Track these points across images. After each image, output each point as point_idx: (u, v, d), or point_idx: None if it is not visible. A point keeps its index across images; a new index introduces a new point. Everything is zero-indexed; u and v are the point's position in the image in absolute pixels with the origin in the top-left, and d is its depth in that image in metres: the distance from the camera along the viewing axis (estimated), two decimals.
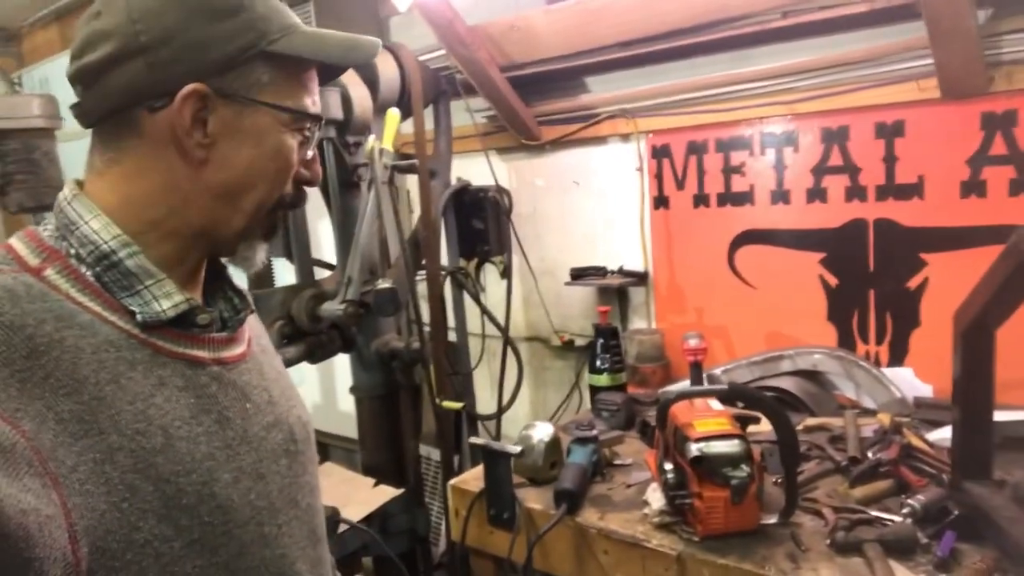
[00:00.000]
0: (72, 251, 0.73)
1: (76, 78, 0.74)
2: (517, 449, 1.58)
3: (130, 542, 0.65)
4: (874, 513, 1.34)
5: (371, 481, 2.11)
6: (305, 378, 3.25)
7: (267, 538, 0.78)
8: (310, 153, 0.84)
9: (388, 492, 2.06)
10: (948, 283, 1.78)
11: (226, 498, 0.73)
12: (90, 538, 0.62)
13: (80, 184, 0.78)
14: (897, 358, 1.90)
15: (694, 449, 1.32)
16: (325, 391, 3.24)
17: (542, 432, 1.66)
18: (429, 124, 2.40)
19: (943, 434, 1.56)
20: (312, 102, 0.82)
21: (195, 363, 0.77)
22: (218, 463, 0.74)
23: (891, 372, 1.87)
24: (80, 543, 0.61)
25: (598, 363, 2.11)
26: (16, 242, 0.74)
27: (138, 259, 0.74)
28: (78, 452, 0.63)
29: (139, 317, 0.73)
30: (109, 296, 0.72)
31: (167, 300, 0.75)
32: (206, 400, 0.76)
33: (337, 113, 1.94)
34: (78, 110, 0.76)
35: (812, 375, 1.97)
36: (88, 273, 0.72)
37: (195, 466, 0.71)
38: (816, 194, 1.96)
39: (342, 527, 1.86)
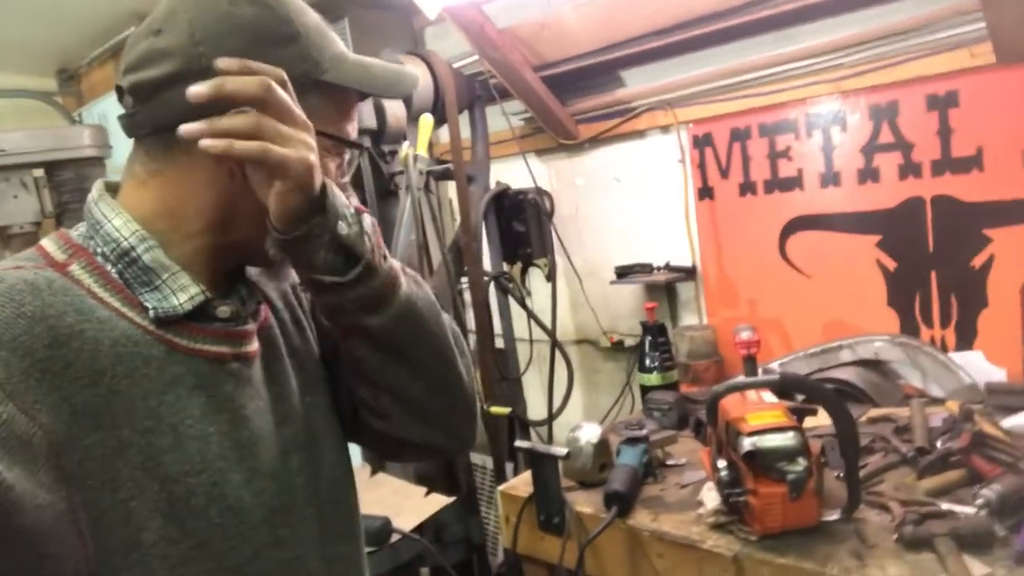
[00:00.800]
0: (99, 250, 0.74)
1: (131, 90, 0.75)
2: (564, 451, 1.54)
3: (137, 542, 0.65)
4: (945, 506, 1.26)
5: (423, 490, 2.09)
6: None
7: (281, 540, 0.77)
8: (346, 178, 0.85)
9: (440, 501, 2.04)
10: (1016, 259, 1.67)
11: (237, 499, 0.72)
12: (91, 533, 0.62)
13: (111, 189, 0.79)
14: (965, 342, 1.79)
15: (747, 444, 1.26)
16: None
17: (589, 433, 1.61)
18: (466, 131, 2.39)
19: (1019, 420, 1.46)
20: (352, 128, 0.83)
21: (212, 359, 0.76)
22: (229, 463, 0.73)
23: (959, 357, 1.77)
24: (87, 538, 0.61)
25: (647, 362, 2.06)
26: (47, 242, 0.76)
27: (154, 253, 0.74)
28: (87, 446, 0.63)
29: (152, 313, 0.73)
30: (130, 293, 0.73)
31: (183, 293, 0.74)
32: (220, 399, 0.75)
33: (371, 122, 1.94)
34: (129, 121, 0.77)
35: (874, 364, 1.88)
36: (112, 270, 0.73)
37: (205, 466, 0.70)
38: (868, 174, 1.87)
39: (395, 537, 1.84)
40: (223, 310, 0.77)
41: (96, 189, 0.78)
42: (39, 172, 2.23)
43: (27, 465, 0.56)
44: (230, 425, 0.75)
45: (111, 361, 0.67)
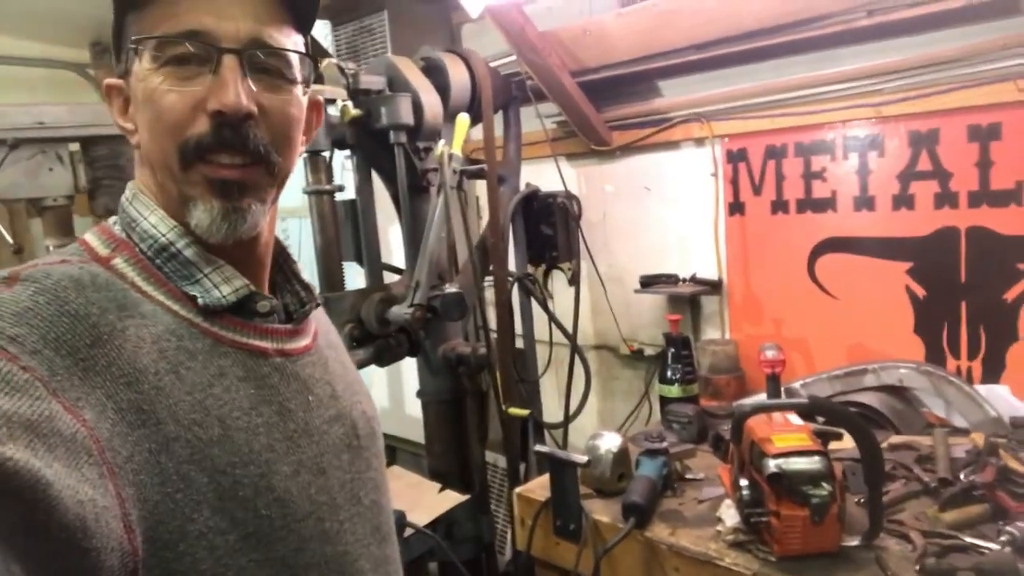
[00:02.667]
0: (137, 247, 0.75)
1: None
2: (584, 459, 1.55)
3: (184, 533, 0.65)
4: (968, 539, 1.26)
5: (437, 486, 2.11)
6: (373, 382, 3.28)
7: (328, 534, 0.76)
8: (208, 78, 0.70)
9: (453, 498, 2.05)
10: None
11: (284, 491, 0.72)
12: (143, 527, 0.62)
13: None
14: (992, 375, 1.79)
15: (772, 465, 1.26)
16: (393, 395, 3.27)
17: (610, 442, 1.62)
18: (499, 130, 2.40)
19: None
20: (171, 24, 0.71)
21: (257, 353, 0.76)
22: (277, 455, 0.73)
23: (985, 389, 1.76)
24: (135, 532, 0.61)
25: (669, 373, 2.06)
26: (90, 236, 0.76)
27: (196, 247, 0.75)
28: (134, 442, 0.63)
29: (200, 302, 0.73)
30: (173, 286, 0.73)
31: (227, 286, 0.75)
32: (267, 391, 0.75)
33: (408, 119, 1.95)
34: None
35: (898, 391, 1.87)
36: (152, 265, 0.74)
37: (253, 458, 0.70)
38: (903, 201, 1.86)
39: (408, 531, 1.86)
40: (263, 304, 0.78)
41: (129, 189, 0.78)
42: (75, 146, 2.25)
43: (70, 460, 0.56)
44: (278, 417, 0.75)
45: (154, 358, 0.67)
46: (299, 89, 0.77)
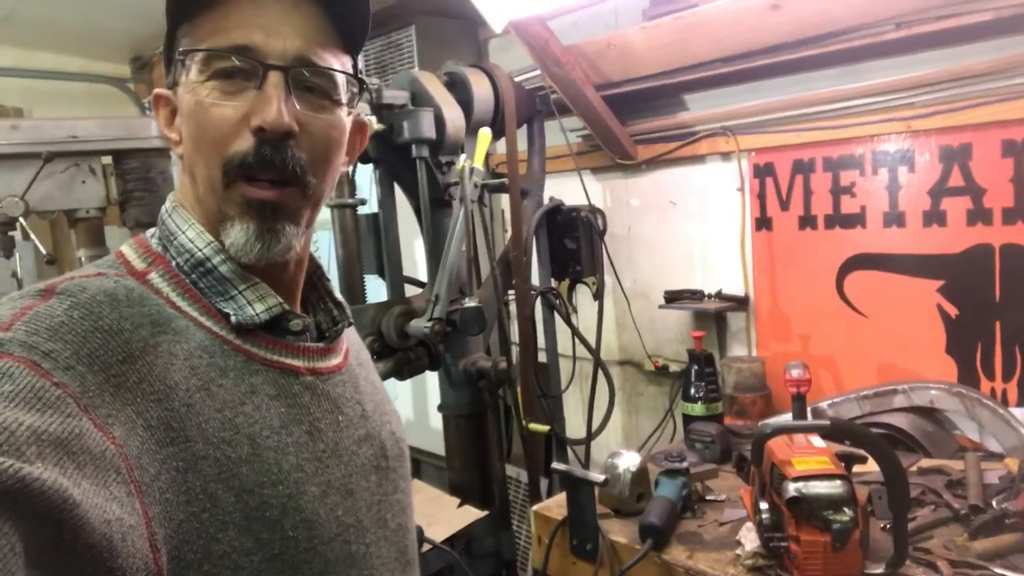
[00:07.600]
0: (173, 261, 0.75)
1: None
2: (601, 478, 1.52)
3: (208, 553, 0.64)
4: (998, 571, 1.21)
5: (456, 501, 2.09)
6: (398, 395, 3.29)
7: (354, 557, 0.75)
8: (252, 93, 0.70)
9: (473, 513, 2.03)
10: None
11: (312, 512, 0.71)
12: (168, 547, 0.62)
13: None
14: None
15: (791, 489, 1.23)
16: (417, 408, 3.26)
17: (628, 461, 1.59)
18: (523, 144, 2.39)
19: None
20: (220, 38, 0.71)
21: (289, 372, 0.76)
22: (306, 475, 0.72)
23: (1021, 412, 1.70)
24: (160, 551, 0.61)
25: (692, 391, 2.03)
26: (126, 248, 0.76)
27: (231, 264, 0.74)
28: (162, 460, 0.63)
29: (233, 319, 0.73)
30: (207, 302, 0.73)
31: (261, 304, 0.74)
32: (298, 410, 0.74)
33: (430, 133, 1.95)
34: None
35: (928, 412, 1.82)
36: (187, 280, 0.74)
37: (282, 477, 0.69)
38: (934, 217, 1.81)
39: (426, 547, 1.84)
40: (295, 323, 0.77)
41: (169, 201, 0.78)
42: (107, 159, 2.29)
43: (98, 478, 0.56)
44: (308, 437, 0.74)
45: (185, 375, 0.67)
46: (343, 111, 0.76)
